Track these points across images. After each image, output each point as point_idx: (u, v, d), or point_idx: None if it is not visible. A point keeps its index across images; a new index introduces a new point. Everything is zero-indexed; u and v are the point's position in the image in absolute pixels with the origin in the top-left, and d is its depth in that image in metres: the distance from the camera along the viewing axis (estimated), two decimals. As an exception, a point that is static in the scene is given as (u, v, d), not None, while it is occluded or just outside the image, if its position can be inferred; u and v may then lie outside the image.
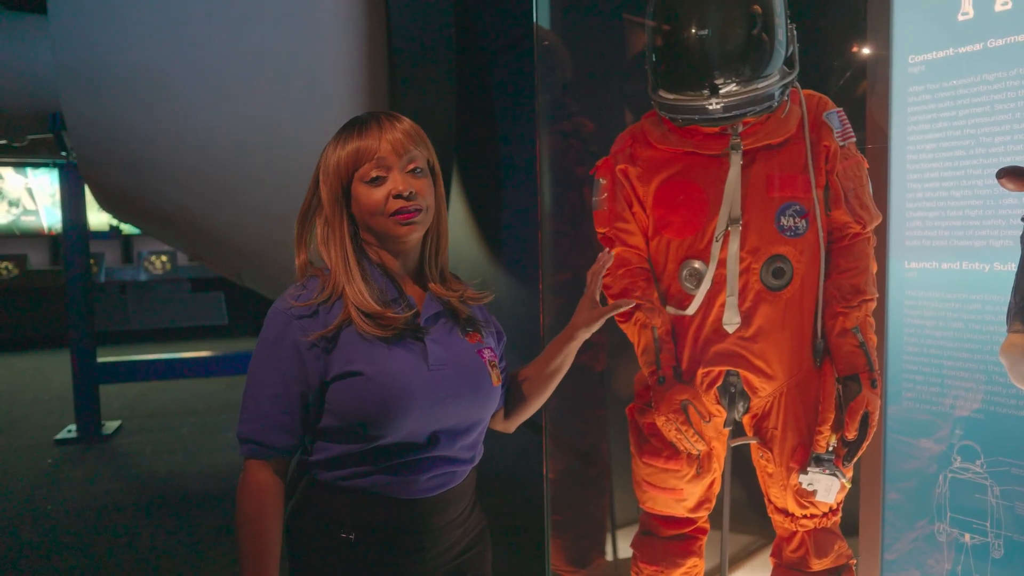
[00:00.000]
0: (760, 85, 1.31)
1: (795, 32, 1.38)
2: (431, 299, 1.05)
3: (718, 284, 1.40)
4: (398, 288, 1.03)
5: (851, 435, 1.37)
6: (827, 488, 1.40)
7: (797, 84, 1.40)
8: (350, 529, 0.98)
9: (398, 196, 0.98)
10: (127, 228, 8.13)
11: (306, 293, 0.98)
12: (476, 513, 1.11)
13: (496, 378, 1.07)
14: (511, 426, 1.22)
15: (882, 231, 1.45)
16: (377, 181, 0.99)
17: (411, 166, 1.00)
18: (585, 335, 1.19)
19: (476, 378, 1.04)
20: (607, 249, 1.29)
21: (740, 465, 1.63)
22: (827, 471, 1.39)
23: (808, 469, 1.41)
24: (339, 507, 0.98)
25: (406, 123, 1.02)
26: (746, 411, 1.48)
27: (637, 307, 1.47)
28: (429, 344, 1.00)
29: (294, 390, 0.96)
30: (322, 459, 0.99)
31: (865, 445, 1.38)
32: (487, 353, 1.07)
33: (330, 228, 1.00)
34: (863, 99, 1.50)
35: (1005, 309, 1.11)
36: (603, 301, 1.26)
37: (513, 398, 1.19)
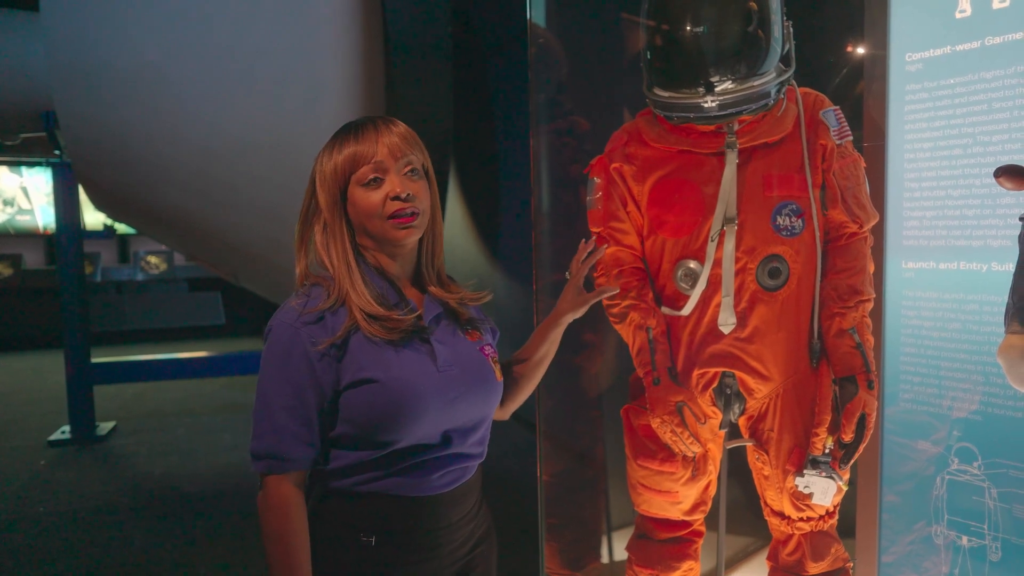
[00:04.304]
0: (756, 83, 1.30)
1: (791, 29, 1.37)
2: (431, 301, 1.06)
3: (713, 284, 1.39)
4: (398, 292, 1.04)
5: (848, 437, 1.36)
6: (824, 490, 1.38)
7: (793, 82, 1.39)
8: (369, 532, 0.98)
9: (396, 198, 0.98)
10: (123, 228, 8.11)
11: (311, 301, 0.98)
12: (484, 509, 1.13)
13: (499, 373, 1.09)
14: (506, 413, 1.24)
15: (879, 231, 1.44)
16: (374, 184, 0.99)
17: (407, 168, 1.01)
18: (570, 319, 1.24)
19: (482, 375, 1.05)
20: (592, 238, 1.32)
21: (736, 467, 1.61)
22: (824, 473, 1.38)
23: (804, 471, 1.39)
24: (356, 512, 0.99)
25: (401, 127, 1.03)
26: (742, 413, 1.47)
27: (631, 307, 1.45)
28: (436, 346, 1.01)
29: (310, 401, 0.95)
30: (336, 467, 0.99)
31: (862, 447, 1.37)
32: (488, 349, 1.09)
33: (330, 233, 1.00)
34: (860, 97, 1.48)
35: (1003, 310, 1.10)
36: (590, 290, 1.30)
37: (506, 387, 1.21)
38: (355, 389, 0.96)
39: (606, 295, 1.28)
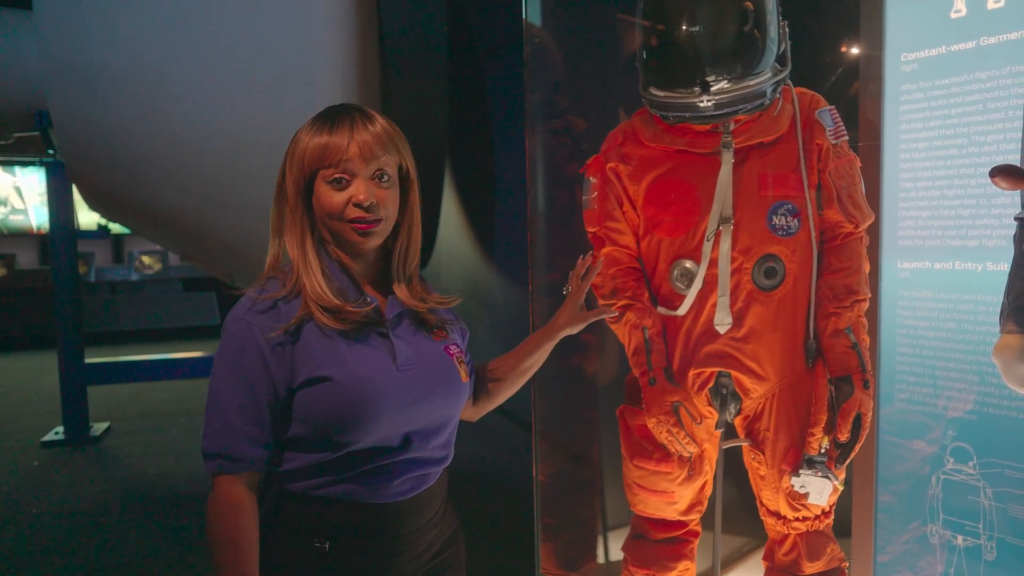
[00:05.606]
0: (752, 82, 1.30)
1: (787, 29, 1.37)
2: (394, 301, 1.03)
3: (709, 284, 1.39)
4: (358, 288, 1.01)
5: (843, 437, 1.36)
6: (819, 490, 1.39)
7: (789, 82, 1.39)
8: (324, 538, 0.95)
9: (358, 205, 0.95)
10: (117, 228, 8.09)
11: (265, 291, 0.95)
12: (449, 514, 1.09)
13: (464, 374, 1.06)
14: (476, 415, 1.22)
15: (875, 230, 1.44)
16: (340, 184, 0.95)
17: (377, 173, 0.97)
18: (565, 334, 1.22)
19: (445, 376, 1.02)
20: (589, 252, 1.32)
21: (732, 467, 1.61)
22: (819, 473, 1.38)
23: (800, 471, 1.39)
24: (312, 516, 0.95)
25: (379, 126, 0.97)
26: (738, 413, 1.47)
27: (627, 307, 1.45)
28: (396, 344, 0.98)
29: (262, 398, 0.92)
30: (291, 469, 0.95)
31: (858, 447, 1.37)
32: (453, 349, 1.06)
33: (292, 217, 0.97)
34: (856, 97, 1.49)
35: (998, 309, 1.10)
36: (589, 301, 1.29)
37: (483, 389, 1.20)
38: (310, 388, 0.92)
39: (606, 315, 1.28)
